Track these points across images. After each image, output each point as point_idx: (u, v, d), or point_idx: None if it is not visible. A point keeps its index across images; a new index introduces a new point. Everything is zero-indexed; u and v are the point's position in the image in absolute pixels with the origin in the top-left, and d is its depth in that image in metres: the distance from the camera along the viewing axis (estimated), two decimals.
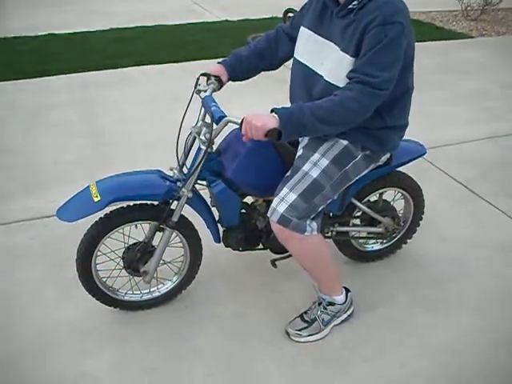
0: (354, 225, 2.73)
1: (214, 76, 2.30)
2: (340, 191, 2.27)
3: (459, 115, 4.72)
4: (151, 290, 2.54)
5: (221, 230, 2.46)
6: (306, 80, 2.20)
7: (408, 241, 2.91)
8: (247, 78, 2.46)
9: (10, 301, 2.59)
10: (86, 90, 5.31)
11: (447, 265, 2.87)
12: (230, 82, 2.39)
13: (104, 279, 2.43)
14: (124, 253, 2.38)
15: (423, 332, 2.44)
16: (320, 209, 2.21)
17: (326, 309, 2.42)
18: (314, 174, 2.13)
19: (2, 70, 5.89)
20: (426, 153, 2.64)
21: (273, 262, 2.51)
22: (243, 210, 2.47)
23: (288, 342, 2.39)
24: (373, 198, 2.70)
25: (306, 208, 2.13)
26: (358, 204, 2.57)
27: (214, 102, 2.11)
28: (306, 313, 2.47)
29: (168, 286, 2.55)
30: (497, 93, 5.34)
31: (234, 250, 2.50)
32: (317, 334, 2.41)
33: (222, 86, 2.33)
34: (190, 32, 7.31)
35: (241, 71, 2.39)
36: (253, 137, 1.87)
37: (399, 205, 2.80)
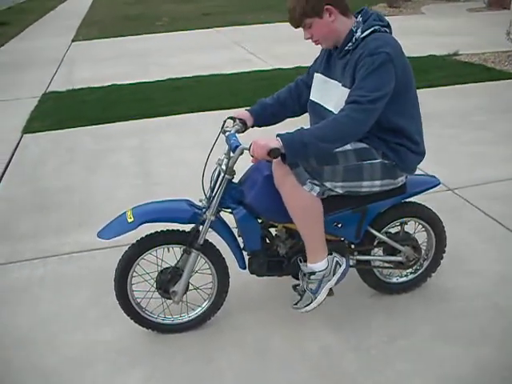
0: (375, 254, 2.84)
1: (239, 119, 2.60)
2: (348, 184, 2.43)
3: (499, 154, 4.72)
4: (182, 314, 2.74)
5: (246, 258, 2.64)
6: (320, 116, 2.46)
7: (432, 274, 2.96)
8: (271, 124, 2.75)
9: (56, 321, 2.87)
10: (142, 135, 5.71)
11: (473, 298, 2.89)
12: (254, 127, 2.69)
13: (139, 299, 2.67)
14: (157, 275, 2.62)
15: (442, 364, 2.47)
16: (324, 180, 2.39)
17: (309, 279, 2.56)
18: (336, 149, 2.35)
19: (68, 117, 6.43)
20: (439, 183, 2.78)
21: (294, 287, 2.68)
22: (266, 237, 2.66)
23: (307, 368, 2.48)
24: (394, 229, 2.81)
25: (314, 168, 2.37)
26: (376, 233, 2.68)
27: (235, 137, 2.41)
28: (298, 285, 2.64)
29: (197, 311, 2.74)
30: None
31: (258, 276, 2.68)
32: (311, 303, 2.56)
33: (246, 129, 2.62)
34: (243, 81, 7.67)
35: (265, 118, 2.68)
36: (258, 156, 2.15)
37: (422, 237, 2.88)
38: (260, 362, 2.54)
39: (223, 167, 2.42)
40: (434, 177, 2.81)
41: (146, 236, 2.55)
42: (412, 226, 2.87)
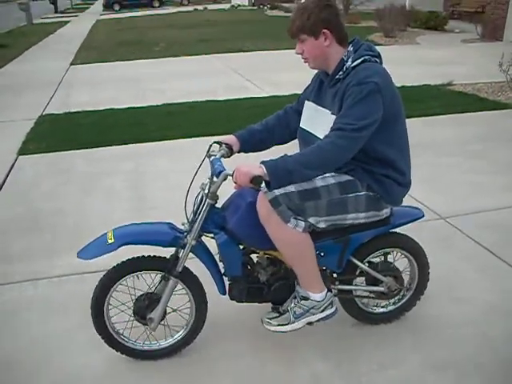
0: (357, 284, 2.81)
1: (226, 144, 2.60)
2: (332, 218, 2.41)
3: (494, 183, 4.76)
4: (158, 341, 2.71)
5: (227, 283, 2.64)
6: (310, 144, 2.44)
7: (417, 303, 2.93)
8: (258, 151, 2.75)
9: (44, 344, 2.84)
10: (137, 159, 5.73)
11: (462, 327, 2.89)
12: (241, 153, 2.69)
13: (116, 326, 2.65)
14: (135, 301, 2.59)
15: None
16: (308, 215, 2.38)
17: (299, 302, 2.53)
18: (318, 183, 2.37)
19: (64, 140, 6.46)
20: (423, 216, 2.76)
21: (273, 308, 2.66)
22: (247, 264, 2.64)
23: None
24: (377, 259, 2.80)
25: (297, 205, 2.35)
26: (358, 263, 2.67)
27: (220, 162, 2.41)
28: (281, 305, 2.61)
29: (175, 337, 2.71)
30: None
31: (238, 302, 2.66)
32: (286, 325, 2.54)
33: (232, 154, 2.62)
34: (239, 107, 7.72)
35: (252, 144, 2.69)
36: (240, 183, 2.15)
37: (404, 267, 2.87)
38: None
39: (206, 192, 2.41)
40: (418, 209, 2.80)
41: (123, 262, 2.52)
42: (396, 256, 2.86)
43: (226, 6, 37.40)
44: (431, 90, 8.49)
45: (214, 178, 2.38)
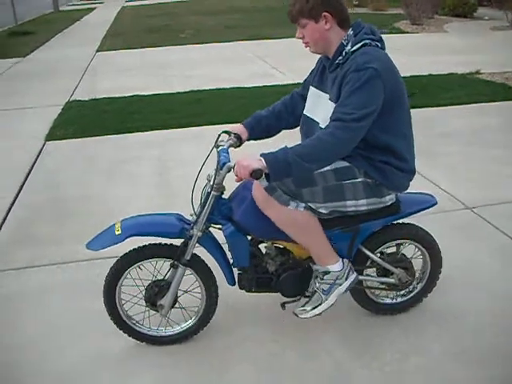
0: (367, 275, 2.79)
1: (234, 133, 2.59)
2: (331, 204, 2.39)
3: None
4: (169, 327, 2.75)
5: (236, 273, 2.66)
6: (309, 129, 2.46)
7: (428, 295, 2.90)
8: (267, 137, 2.74)
9: (67, 327, 2.93)
10: (162, 146, 5.77)
11: (484, 315, 2.87)
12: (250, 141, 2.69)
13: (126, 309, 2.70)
14: (146, 288, 2.63)
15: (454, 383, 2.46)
16: (305, 201, 2.37)
17: (322, 279, 2.53)
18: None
19: (90, 126, 6.53)
20: (436, 203, 2.70)
21: (282, 305, 2.68)
22: (255, 254, 2.64)
23: None
24: (388, 250, 2.77)
25: (292, 191, 2.34)
26: (368, 253, 2.64)
27: (226, 153, 2.40)
28: (302, 294, 2.60)
29: (184, 325, 2.74)
30: None
31: (247, 291, 2.67)
32: (320, 304, 2.53)
33: (241, 144, 2.62)
34: (264, 94, 7.69)
35: (260, 131, 2.67)
36: (241, 176, 2.14)
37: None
38: (273, 378, 2.54)
39: (211, 183, 2.41)
40: (430, 195, 2.74)
41: (134, 249, 2.56)
42: (411, 250, 2.82)
43: None
44: (458, 78, 8.36)
45: (219, 170, 2.37)
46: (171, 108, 7.21)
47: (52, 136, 6.23)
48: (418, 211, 2.66)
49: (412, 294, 2.87)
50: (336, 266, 2.52)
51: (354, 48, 2.27)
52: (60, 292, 3.23)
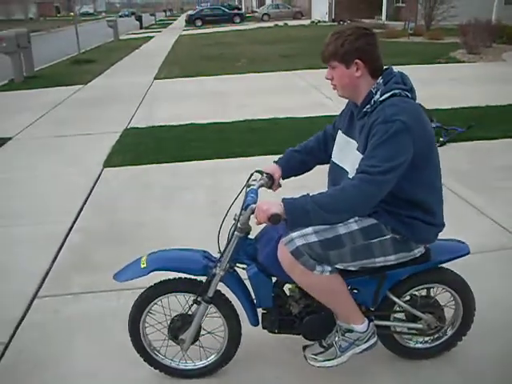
0: (395, 319, 2.68)
1: (266, 173, 2.58)
2: (360, 262, 2.34)
3: None
4: (191, 361, 2.77)
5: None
6: (336, 176, 2.41)
7: (459, 342, 2.75)
8: (300, 174, 2.72)
9: (124, 354, 2.94)
10: (217, 175, 5.83)
11: None
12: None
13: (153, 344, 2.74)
14: (171, 321, 2.66)
15: None
16: (332, 263, 2.31)
17: (343, 335, 2.46)
18: (341, 231, 2.28)
19: (147, 154, 6.70)
20: (469, 252, 2.56)
21: (304, 348, 2.62)
22: (279, 296, 2.59)
23: None
24: (417, 293, 2.66)
25: (320, 254, 2.28)
26: (395, 299, 2.55)
27: (254, 194, 2.38)
28: (324, 339, 2.53)
29: (209, 359, 2.75)
30: None
31: (269, 332, 2.63)
32: (333, 359, 2.48)
33: (273, 183, 2.60)
34: (318, 124, 7.71)
35: (293, 167, 2.66)
36: (260, 220, 2.13)
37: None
38: None
39: (236, 224, 2.39)
40: (464, 243, 2.60)
41: (156, 283, 2.61)
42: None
43: (306, 21, 37.66)
44: None
45: (242, 212, 2.33)
46: (227, 137, 7.29)
47: (110, 162, 6.42)
48: (449, 260, 2.55)
49: (442, 340, 2.73)
50: (361, 326, 2.46)
51: (383, 97, 2.20)
52: (117, 318, 3.26)
